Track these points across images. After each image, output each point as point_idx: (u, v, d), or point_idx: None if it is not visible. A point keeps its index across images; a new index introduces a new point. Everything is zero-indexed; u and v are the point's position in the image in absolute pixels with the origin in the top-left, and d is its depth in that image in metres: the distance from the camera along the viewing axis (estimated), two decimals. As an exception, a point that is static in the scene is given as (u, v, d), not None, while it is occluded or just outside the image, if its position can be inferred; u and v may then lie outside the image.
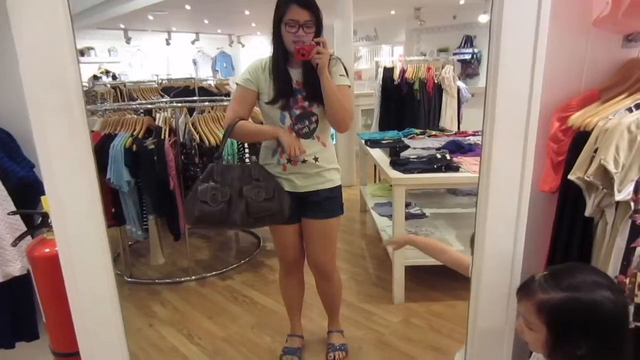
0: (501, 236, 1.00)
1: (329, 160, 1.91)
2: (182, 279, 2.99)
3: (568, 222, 1.27)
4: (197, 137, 2.82)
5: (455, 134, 3.99)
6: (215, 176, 1.83)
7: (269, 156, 1.89)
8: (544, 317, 0.85)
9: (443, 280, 2.79)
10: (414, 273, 2.66)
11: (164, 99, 4.36)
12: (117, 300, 1.22)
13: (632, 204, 1.11)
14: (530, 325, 0.88)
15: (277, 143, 1.83)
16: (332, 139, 3.87)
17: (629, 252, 1.16)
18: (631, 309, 1.11)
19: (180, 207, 2.80)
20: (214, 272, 3.09)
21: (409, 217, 3.07)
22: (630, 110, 1.18)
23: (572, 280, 0.85)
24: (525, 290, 0.90)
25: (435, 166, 2.59)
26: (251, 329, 2.43)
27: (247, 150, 2.88)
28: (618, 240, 1.15)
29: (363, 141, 3.76)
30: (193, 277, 3.01)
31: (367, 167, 4.39)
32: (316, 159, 1.85)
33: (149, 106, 3.47)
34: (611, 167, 1.09)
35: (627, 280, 1.20)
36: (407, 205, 3.45)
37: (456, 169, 2.60)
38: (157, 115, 3.02)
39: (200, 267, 3.17)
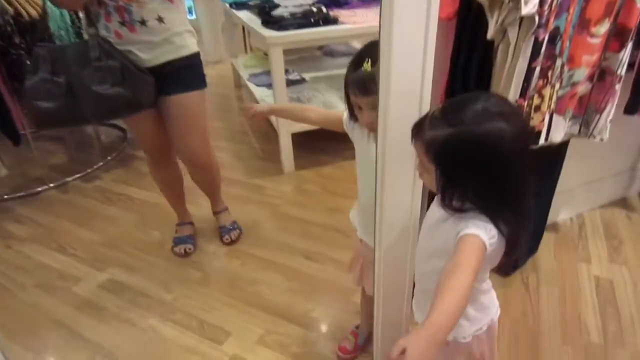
0: (407, 73, 0.86)
1: (177, 21, 1.54)
2: (39, 189, 2.54)
3: (466, 48, 1.17)
4: (11, 8, 2.17)
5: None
6: (44, 64, 1.41)
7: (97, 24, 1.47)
8: (432, 156, 0.74)
9: (330, 144, 2.73)
10: (301, 141, 2.55)
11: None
12: None
13: (536, 17, 1.01)
14: (424, 166, 0.78)
15: (97, 2, 1.42)
16: (191, 12, 3.34)
17: (529, 73, 1.11)
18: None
19: (10, 104, 2.25)
20: (76, 176, 2.66)
21: (288, 84, 2.85)
22: None
23: (460, 114, 0.72)
24: (417, 128, 0.78)
25: (312, 20, 2.34)
26: (135, 227, 2.17)
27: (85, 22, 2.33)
28: (520, 61, 1.08)
29: (228, 5, 3.31)
30: (51, 185, 2.57)
31: (235, 37, 3.96)
32: (161, 20, 1.48)
33: None
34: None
35: (525, 104, 1.16)
36: (285, 72, 3.23)
37: (334, 21, 2.38)
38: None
39: (58, 173, 2.71)
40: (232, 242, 2.01)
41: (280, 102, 2.31)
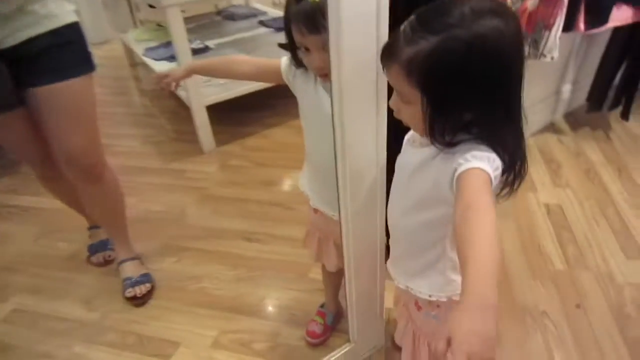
0: None
1: None
2: None
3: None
4: None
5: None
6: None
7: None
8: (416, 77, 0.57)
9: (249, 113, 2.50)
10: (217, 114, 2.28)
11: None
12: None
13: None
14: (404, 97, 0.61)
15: None
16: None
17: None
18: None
19: None
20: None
21: (192, 53, 2.55)
22: None
23: (445, 18, 0.56)
24: (389, 49, 0.61)
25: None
26: (35, 242, 1.81)
27: None
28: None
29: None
30: None
31: (120, 10, 3.51)
32: None
33: None
34: None
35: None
36: (168, 45, 2.93)
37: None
38: None
39: None
40: (138, 299, 1.47)
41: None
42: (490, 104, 0.59)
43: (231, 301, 1.46)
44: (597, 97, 2.10)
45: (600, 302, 1.38)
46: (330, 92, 0.78)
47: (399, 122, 0.69)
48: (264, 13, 3.48)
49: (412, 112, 0.62)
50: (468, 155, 0.60)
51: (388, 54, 0.61)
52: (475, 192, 0.57)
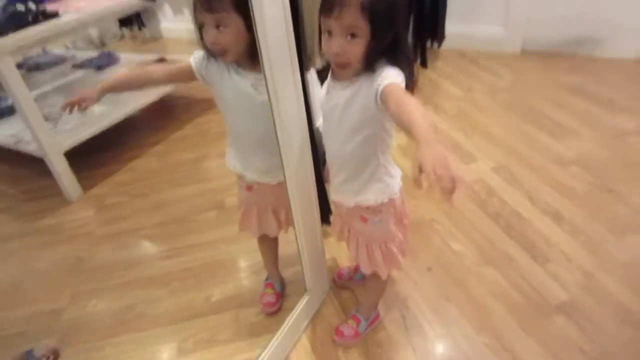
0: None
1: None
2: None
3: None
4: None
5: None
6: None
7: None
8: (368, 15, 0.81)
9: (104, 154, 2.43)
10: (75, 158, 2.16)
11: None
12: None
13: None
14: (356, 32, 0.84)
15: None
16: None
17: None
18: None
19: None
20: None
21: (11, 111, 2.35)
22: None
23: None
24: (339, 4, 0.83)
25: (30, 18, 1.94)
26: None
27: None
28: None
29: None
30: None
31: None
32: None
33: None
34: None
35: None
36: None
37: (56, 14, 2.03)
38: None
39: None
40: None
41: (34, 119, 1.91)
42: (399, 32, 0.87)
43: (178, 312, 1.49)
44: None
45: (463, 198, 1.81)
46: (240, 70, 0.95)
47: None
48: (73, 57, 3.32)
49: (358, 48, 0.85)
50: (385, 74, 0.85)
51: (342, 4, 0.82)
52: (399, 94, 0.82)
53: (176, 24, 3.83)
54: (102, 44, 3.88)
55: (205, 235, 1.78)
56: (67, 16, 2.04)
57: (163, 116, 2.82)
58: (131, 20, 3.92)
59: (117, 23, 3.88)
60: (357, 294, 1.47)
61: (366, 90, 0.88)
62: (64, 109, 1.09)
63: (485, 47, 3.10)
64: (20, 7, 2.05)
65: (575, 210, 1.71)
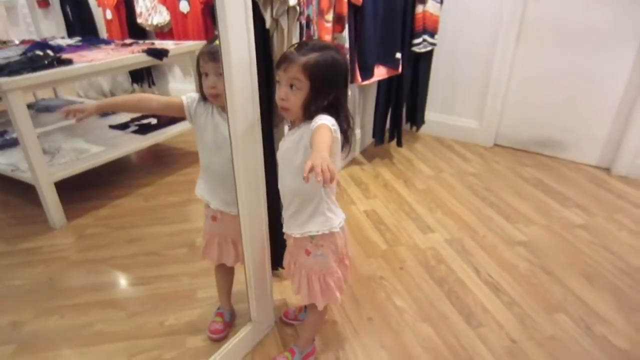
0: (240, 49, 1.09)
1: None
2: None
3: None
4: None
5: (23, 42, 3.42)
6: None
7: None
8: (308, 73, 1.05)
9: (95, 189, 2.62)
10: (66, 190, 2.35)
11: None
12: None
13: (298, 7, 1.40)
14: (296, 85, 1.06)
15: None
16: None
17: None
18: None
19: None
20: None
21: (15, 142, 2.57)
22: None
23: (315, 46, 1.07)
24: (287, 61, 1.06)
25: (46, 62, 2.23)
26: None
27: None
28: (293, 41, 1.45)
29: None
30: None
31: None
32: None
33: None
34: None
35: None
36: (4, 134, 2.89)
37: (70, 61, 2.32)
38: None
39: None
40: None
41: (32, 151, 2.12)
42: (337, 92, 1.10)
43: (131, 332, 1.59)
44: (379, 135, 2.90)
45: (414, 262, 1.97)
46: (223, 114, 1.17)
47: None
48: (82, 103, 3.60)
49: (297, 97, 1.07)
50: (318, 120, 1.06)
51: (289, 61, 1.05)
52: (320, 131, 1.02)
53: (185, 85, 4.19)
54: (112, 95, 4.21)
55: (172, 268, 1.92)
56: (80, 64, 2.32)
57: (155, 162, 3.04)
58: (143, 78, 4.28)
59: (130, 79, 4.22)
60: (299, 331, 1.59)
61: (306, 132, 1.09)
62: (62, 114, 1.26)
63: (461, 136, 3.39)
64: (39, 52, 2.35)
65: (514, 285, 1.86)
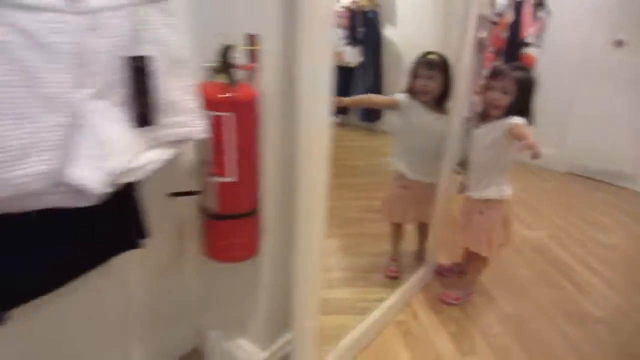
0: None
1: None
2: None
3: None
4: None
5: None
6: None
7: None
8: (518, 85, 1.61)
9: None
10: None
11: None
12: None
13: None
14: (507, 92, 1.62)
15: None
16: None
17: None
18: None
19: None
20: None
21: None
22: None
23: (519, 66, 1.65)
24: (502, 73, 1.63)
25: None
26: None
27: None
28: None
29: None
30: None
31: None
32: None
33: None
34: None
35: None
36: None
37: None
38: None
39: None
40: None
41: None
42: (529, 102, 1.66)
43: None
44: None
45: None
46: (426, 108, 1.80)
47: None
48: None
49: (506, 99, 1.63)
50: (512, 119, 1.62)
51: (503, 75, 1.63)
52: (519, 126, 1.58)
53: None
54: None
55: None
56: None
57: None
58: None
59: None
60: (467, 273, 2.05)
61: (499, 126, 1.65)
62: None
63: (538, 162, 3.86)
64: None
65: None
